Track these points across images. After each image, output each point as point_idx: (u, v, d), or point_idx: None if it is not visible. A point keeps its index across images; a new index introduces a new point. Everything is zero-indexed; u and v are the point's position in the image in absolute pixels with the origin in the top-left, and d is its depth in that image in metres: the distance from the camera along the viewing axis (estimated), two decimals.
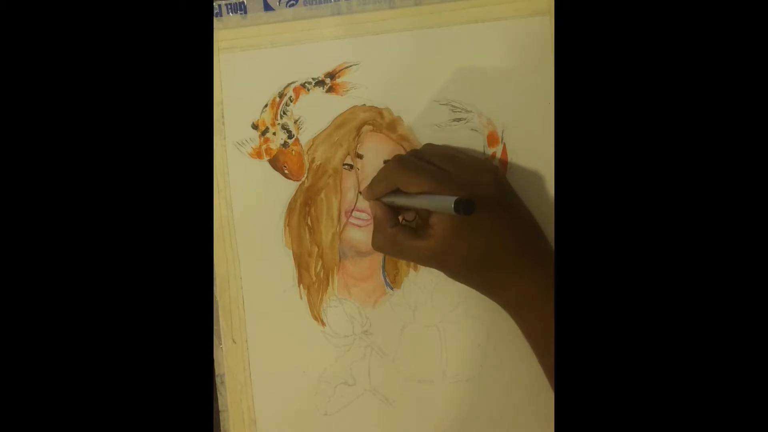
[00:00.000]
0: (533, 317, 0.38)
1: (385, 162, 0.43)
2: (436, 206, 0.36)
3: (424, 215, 0.41)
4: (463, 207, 0.33)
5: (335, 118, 0.44)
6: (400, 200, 0.39)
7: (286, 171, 0.44)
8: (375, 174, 0.42)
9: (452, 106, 0.43)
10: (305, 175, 0.44)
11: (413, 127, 0.44)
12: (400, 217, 0.42)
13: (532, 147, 0.43)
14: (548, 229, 0.42)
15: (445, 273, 0.39)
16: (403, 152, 0.43)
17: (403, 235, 0.39)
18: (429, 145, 0.43)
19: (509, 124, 0.43)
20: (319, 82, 0.44)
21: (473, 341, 0.43)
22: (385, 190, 0.40)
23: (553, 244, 0.40)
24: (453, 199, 0.33)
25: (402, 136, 0.44)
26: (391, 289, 0.44)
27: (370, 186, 0.42)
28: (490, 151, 0.43)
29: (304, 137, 0.44)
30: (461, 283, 0.39)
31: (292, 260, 0.44)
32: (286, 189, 0.44)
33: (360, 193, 0.44)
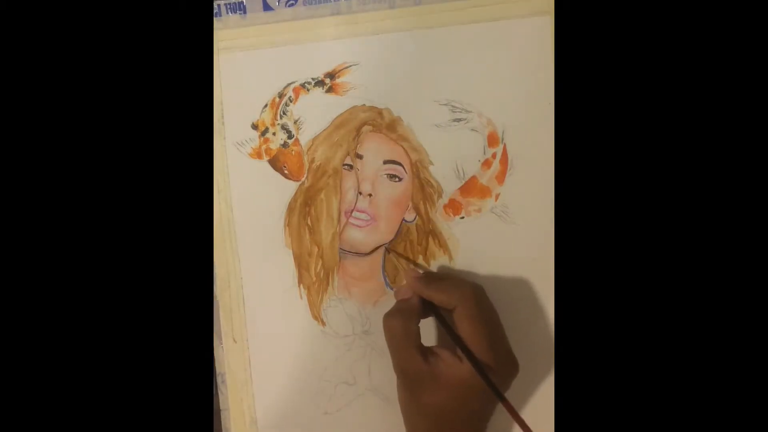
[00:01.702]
0: None
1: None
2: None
3: (442, 338, 0.41)
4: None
5: (335, 119, 0.44)
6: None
7: (286, 171, 0.44)
8: (374, 174, 0.42)
9: (452, 106, 0.43)
10: (305, 175, 0.44)
11: (413, 127, 0.44)
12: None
13: (532, 147, 0.43)
14: (548, 229, 0.42)
15: (405, 394, 0.38)
16: (402, 152, 0.44)
17: (414, 338, 0.38)
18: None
19: (509, 124, 0.43)
20: (319, 82, 0.44)
21: None
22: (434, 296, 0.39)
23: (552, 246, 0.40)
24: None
25: (402, 136, 0.44)
26: (391, 289, 0.44)
27: (428, 285, 0.40)
28: (490, 151, 0.43)
29: (304, 137, 0.44)
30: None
31: (292, 260, 0.44)
32: (286, 189, 0.44)
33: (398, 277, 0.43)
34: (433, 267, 0.44)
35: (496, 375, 0.36)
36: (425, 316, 0.40)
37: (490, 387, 0.35)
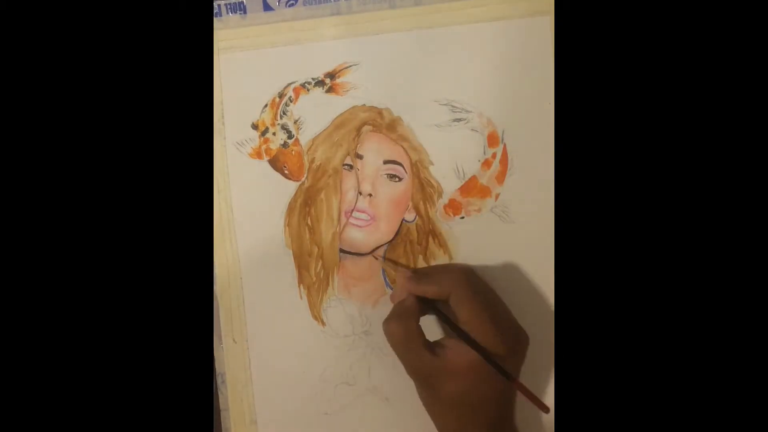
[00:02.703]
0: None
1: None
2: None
3: (446, 330, 0.41)
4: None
5: (335, 118, 0.44)
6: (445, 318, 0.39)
7: (286, 171, 0.44)
8: (374, 173, 0.42)
9: (452, 106, 0.43)
10: (305, 175, 0.44)
11: (413, 127, 0.44)
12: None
13: (532, 147, 0.43)
14: (548, 229, 0.42)
15: (424, 392, 0.39)
16: (402, 152, 0.44)
17: (417, 337, 0.38)
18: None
19: (509, 124, 0.43)
20: (319, 82, 0.44)
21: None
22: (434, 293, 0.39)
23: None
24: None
25: (402, 136, 0.44)
26: (391, 289, 0.44)
27: (419, 281, 0.40)
28: (490, 151, 0.43)
29: (304, 137, 0.44)
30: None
31: (292, 260, 0.44)
32: (286, 189, 0.44)
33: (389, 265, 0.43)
34: None
35: (506, 350, 0.36)
36: (423, 313, 0.40)
37: (497, 370, 0.35)
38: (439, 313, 0.39)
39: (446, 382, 0.37)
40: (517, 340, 0.38)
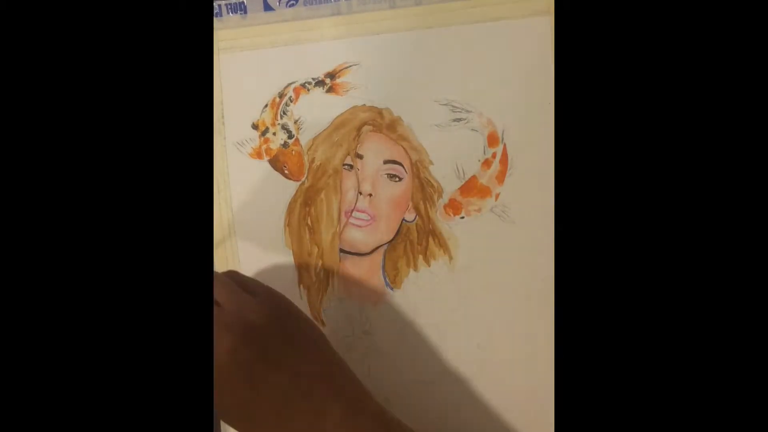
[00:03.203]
0: None
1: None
2: None
3: None
4: None
5: (335, 118, 0.44)
6: None
7: (286, 171, 0.44)
8: (374, 173, 0.42)
9: (452, 106, 0.43)
10: (305, 175, 0.44)
11: (413, 127, 0.44)
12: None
13: (532, 147, 0.43)
14: (548, 229, 0.42)
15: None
16: (402, 152, 0.44)
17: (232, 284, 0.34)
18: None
19: (509, 124, 0.43)
20: (319, 82, 0.44)
21: (473, 341, 0.43)
22: None
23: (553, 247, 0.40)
24: None
25: (402, 136, 0.44)
26: (391, 289, 0.44)
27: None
28: (490, 151, 0.43)
29: (304, 137, 0.44)
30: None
31: (292, 260, 0.44)
32: (286, 189, 0.44)
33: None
34: (434, 266, 0.44)
35: None
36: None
37: None
38: None
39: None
40: None
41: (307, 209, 0.44)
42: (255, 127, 0.44)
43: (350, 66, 0.44)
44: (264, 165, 0.44)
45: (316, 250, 0.44)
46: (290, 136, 0.44)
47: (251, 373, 0.33)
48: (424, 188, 0.44)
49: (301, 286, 0.44)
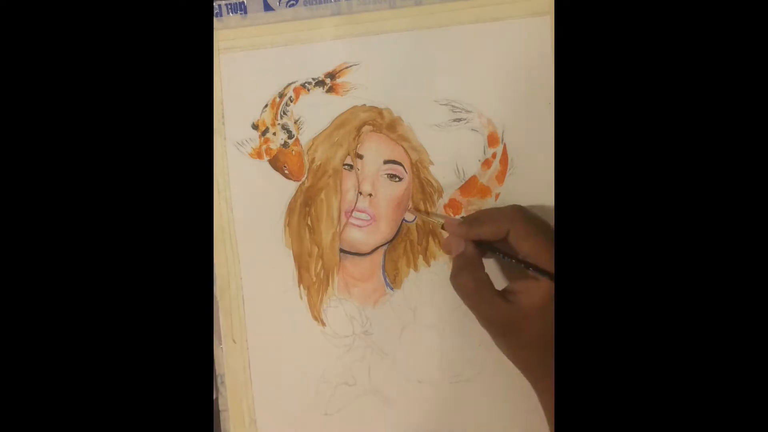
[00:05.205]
0: None
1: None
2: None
3: (510, 275, 0.41)
4: None
5: (335, 118, 0.44)
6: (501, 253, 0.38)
7: (286, 171, 0.44)
8: (374, 173, 0.42)
9: (452, 106, 0.43)
10: (305, 175, 0.44)
11: (413, 127, 0.44)
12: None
13: (532, 147, 0.43)
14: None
15: (502, 341, 0.38)
16: (402, 152, 0.44)
17: (488, 286, 0.38)
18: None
19: (509, 124, 0.43)
20: (319, 82, 0.44)
21: (473, 341, 0.43)
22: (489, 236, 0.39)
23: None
24: None
25: (402, 136, 0.44)
26: (391, 289, 0.44)
27: (472, 225, 0.40)
28: (490, 151, 0.43)
29: (304, 137, 0.44)
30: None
31: (292, 260, 0.44)
32: (286, 189, 0.44)
33: (443, 228, 0.42)
34: (434, 266, 0.44)
35: None
36: (483, 257, 0.40)
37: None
38: (502, 251, 0.39)
39: (524, 327, 0.36)
40: None
41: (307, 209, 0.44)
42: (255, 127, 0.44)
43: (350, 66, 0.44)
44: (264, 165, 0.44)
45: (316, 250, 0.44)
46: (290, 136, 0.44)
47: None
48: (424, 188, 0.44)
49: (301, 286, 0.44)
